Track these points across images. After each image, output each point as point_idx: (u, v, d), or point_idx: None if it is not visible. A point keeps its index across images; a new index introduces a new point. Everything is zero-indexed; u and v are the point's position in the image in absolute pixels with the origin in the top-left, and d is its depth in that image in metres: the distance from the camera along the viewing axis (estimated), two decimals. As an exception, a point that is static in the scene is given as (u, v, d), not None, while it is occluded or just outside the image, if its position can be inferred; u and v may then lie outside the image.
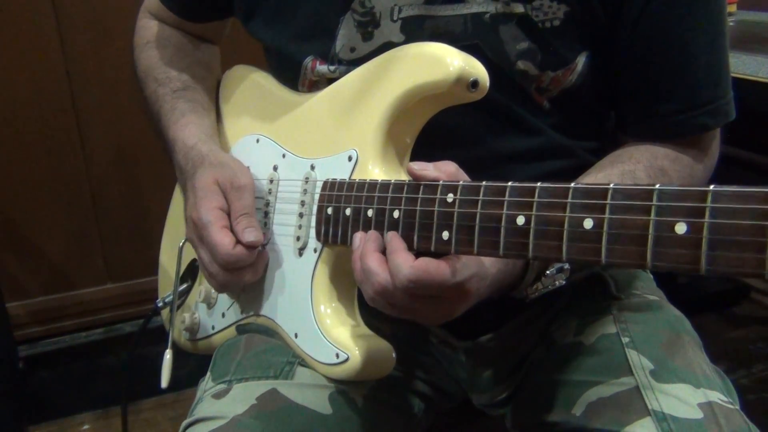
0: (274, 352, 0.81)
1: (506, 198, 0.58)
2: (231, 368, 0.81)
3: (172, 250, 0.99)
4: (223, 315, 0.92)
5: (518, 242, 0.57)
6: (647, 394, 0.72)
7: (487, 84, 0.69)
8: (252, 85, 0.97)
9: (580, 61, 0.78)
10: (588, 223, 0.52)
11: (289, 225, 0.82)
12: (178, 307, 0.99)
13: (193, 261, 0.96)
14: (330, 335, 0.75)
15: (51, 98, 1.65)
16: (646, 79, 0.79)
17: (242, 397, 0.76)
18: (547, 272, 0.74)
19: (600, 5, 0.76)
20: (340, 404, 0.78)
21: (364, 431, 0.79)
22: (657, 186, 0.49)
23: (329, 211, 0.75)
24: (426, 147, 0.75)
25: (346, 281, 0.77)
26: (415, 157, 0.76)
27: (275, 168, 0.86)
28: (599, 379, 0.77)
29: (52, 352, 1.78)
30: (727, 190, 0.45)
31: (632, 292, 0.88)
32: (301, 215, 0.80)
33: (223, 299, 0.92)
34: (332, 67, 0.83)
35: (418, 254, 0.63)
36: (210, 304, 0.94)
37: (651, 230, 0.49)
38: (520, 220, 0.57)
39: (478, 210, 0.60)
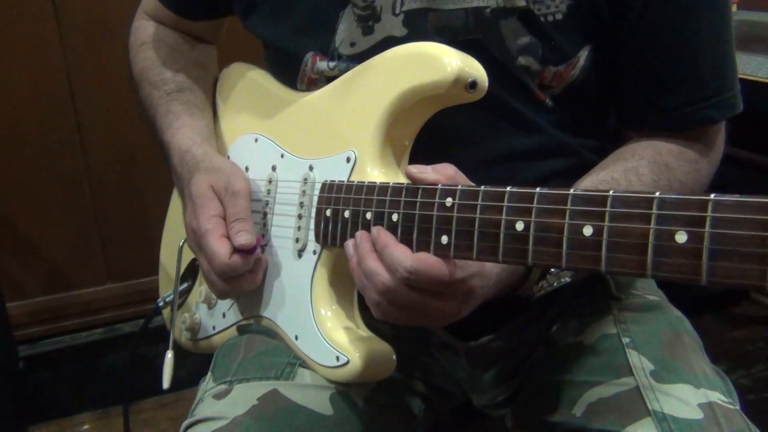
0: (275, 353, 0.81)
1: (505, 203, 0.57)
2: (232, 369, 0.81)
3: (172, 250, 0.98)
4: (224, 315, 0.92)
5: (517, 248, 0.56)
6: (647, 395, 0.72)
7: (486, 84, 0.68)
8: (250, 83, 0.96)
9: (582, 55, 0.78)
10: (587, 231, 0.52)
11: (288, 226, 0.82)
12: (179, 307, 0.99)
13: (194, 260, 0.96)
14: (330, 338, 0.75)
15: (51, 98, 1.65)
16: (651, 72, 0.79)
17: (243, 397, 0.76)
18: (552, 270, 0.73)
19: None
20: (341, 405, 0.78)
21: (365, 432, 0.79)
22: (657, 194, 0.48)
23: (328, 213, 0.75)
24: (426, 147, 0.75)
25: (346, 283, 0.77)
26: (414, 157, 0.75)
27: (274, 168, 0.86)
28: (600, 379, 0.77)
29: (52, 352, 1.78)
30: (729, 199, 0.45)
31: (633, 292, 0.88)
32: (300, 216, 0.80)
33: (224, 300, 0.92)
34: (332, 64, 0.82)
35: None
36: (210, 305, 0.94)
37: (651, 239, 0.48)
38: (519, 226, 0.56)
39: (477, 215, 0.59)
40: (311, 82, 0.85)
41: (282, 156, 0.85)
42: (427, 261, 0.61)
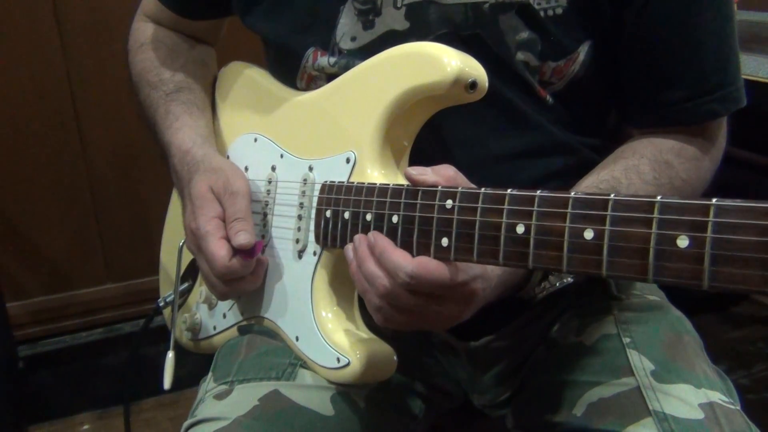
0: (276, 354, 0.81)
1: (505, 206, 0.57)
2: (233, 369, 0.81)
3: (173, 250, 0.98)
4: (225, 316, 0.92)
5: (518, 252, 0.56)
6: (648, 395, 0.72)
7: (486, 85, 0.68)
8: (249, 82, 0.96)
9: (583, 50, 0.77)
10: (588, 234, 0.51)
11: (288, 227, 0.81)
12: (180, 307, 0.99)
13: (194, 260, 0.96)
14: (331, 339, 0.75)
15: (51, 98, 1.65)
16: (653, 66, 0.78)
17: (244, 398, 0.76)
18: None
19: None
20: (342, 406, 0.78)
21: (366, 432, 0.79)
22: (659, 198, 0.48)
23: (328, 214, 0.75)
24: (425, 147, 0.75)
25: (346, 284, 0.77)
26: (414, 157, 0.75)
27: (273, 168, 0.85)
28: (600, 379, 0.77)
29: (52, 352, 1.78)
30: (731, 204, 0.44)
31: (633, 292, 0.88)
32: (299, 217, 0.80)
33: (224, 301, 0.92)
34: (332, 59, 0.81)
35: None
36: (211, 305, 0.94)
37: (652, 243, 0.48)
38: (520, 229, 0.56)
39: (477, 217, 0.59)
40: (311, 80, 0.85)
41: (282, 156, 0.85)
42: (428, 266, 0.61)
